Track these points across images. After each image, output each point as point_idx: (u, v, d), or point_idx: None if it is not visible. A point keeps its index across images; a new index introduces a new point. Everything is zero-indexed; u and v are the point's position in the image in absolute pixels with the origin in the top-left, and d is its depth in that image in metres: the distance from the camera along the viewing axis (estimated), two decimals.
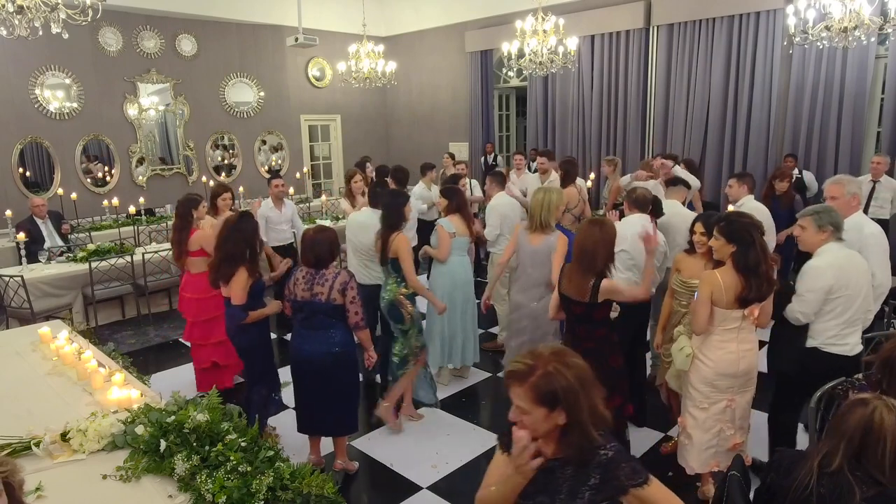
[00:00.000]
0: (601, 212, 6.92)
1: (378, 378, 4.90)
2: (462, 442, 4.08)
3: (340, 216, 8.06)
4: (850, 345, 3.09)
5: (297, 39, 8.78)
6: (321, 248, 3.40)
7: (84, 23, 4.23)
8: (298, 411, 3.67)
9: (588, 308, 3.09)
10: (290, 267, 4.01)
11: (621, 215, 4.31)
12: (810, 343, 3.13)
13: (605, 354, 3.12)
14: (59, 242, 6.85)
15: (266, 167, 10.43)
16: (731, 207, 4.78)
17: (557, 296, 3.30)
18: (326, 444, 3.79)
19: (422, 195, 6.95)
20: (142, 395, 3.00)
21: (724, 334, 3.02)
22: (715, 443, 3.15)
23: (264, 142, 10.71)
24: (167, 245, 7.16)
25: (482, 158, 10.98)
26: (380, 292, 4.40)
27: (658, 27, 8.82)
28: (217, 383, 4.47)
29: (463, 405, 4.61)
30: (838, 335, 3.07)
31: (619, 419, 3.19)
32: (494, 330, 5.81)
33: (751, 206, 4.56)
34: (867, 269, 3.12)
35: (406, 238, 4.14)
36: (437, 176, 7.46)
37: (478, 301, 4.81)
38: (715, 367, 3.04)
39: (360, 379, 4.84)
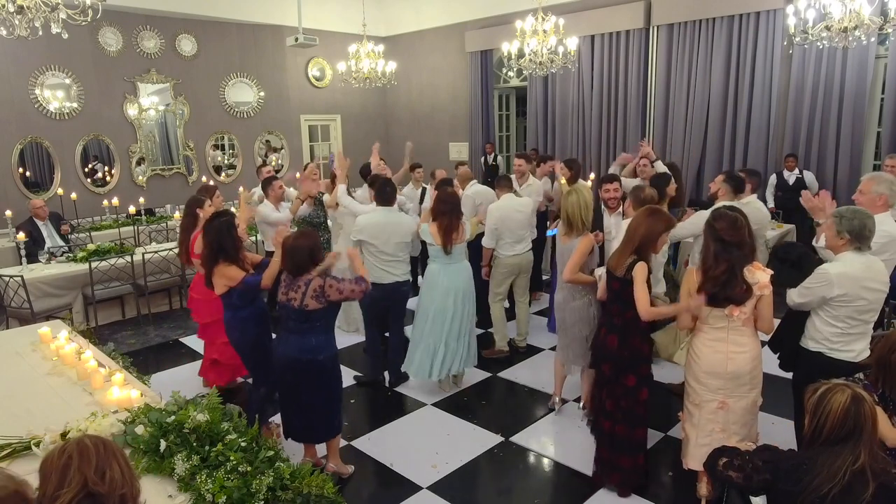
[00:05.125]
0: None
1: (386, 376, 4.94)
2: (462, 442, 4.08)
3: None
4: (857, 351, 3.03)
5: (297, 39, 8.77)
6: (301, 254, 3.30)
7: (84, 23, 4.23)
8: (282, 414, 3.65)
9: (622, 284, 3.24)
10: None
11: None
12: (814, 347, 3.09)
13: (628, 334, 3.31)
14: (60, 243, 6.86)
15: (268, 167, 10.39)
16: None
17: (605, 276, 3.48)
18: (324, 445, 3.77)
19: (410, 195, 6.91)
20: (142, 395, 3.01)
21: (712, 332, 3.05)
22: (707, 442, 3.15)
23: (268, 142, 10.72)
24: (167, 245, 7.18)
25: (482, 158, 10.98)
26: (397, 288, 4.49)
27: (658, 27, 8.81)
28: (216, 380, 4.56)
29: (463, 405, 4.61)
30: (843, 341, 3.03)
31: (632, 398, 3.35)
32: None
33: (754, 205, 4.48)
34: (886, 279, 3.02)
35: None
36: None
37: None
38: (702, 364, 3.08)
39: (356, 382, 4.93)
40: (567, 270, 3.88)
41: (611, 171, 5.96)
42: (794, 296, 3.09)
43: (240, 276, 3.59)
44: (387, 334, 5.07)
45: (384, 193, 4.66)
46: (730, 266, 2.90)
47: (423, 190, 6.98)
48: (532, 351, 5.57)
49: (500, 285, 5.37)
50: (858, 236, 2.94)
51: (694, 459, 3.21)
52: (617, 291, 3.33)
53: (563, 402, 4.47)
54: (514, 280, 5.40)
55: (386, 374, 4.97)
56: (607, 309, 3.49)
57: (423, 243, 5.16)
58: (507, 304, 5.55)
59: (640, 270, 3.19)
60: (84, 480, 1.54)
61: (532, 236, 5.49)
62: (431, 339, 4.63)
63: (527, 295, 5.58)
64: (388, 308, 4.82)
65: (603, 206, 4.54)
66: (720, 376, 3.04)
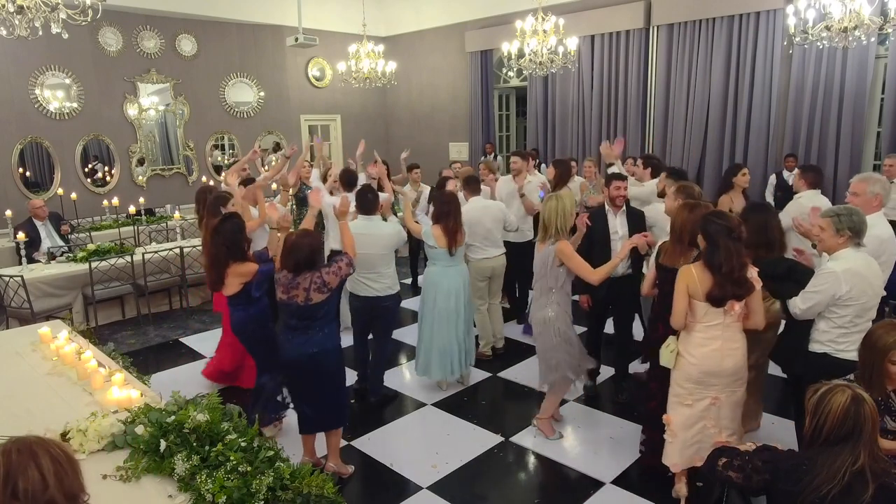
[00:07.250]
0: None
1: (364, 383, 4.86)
2: (462, 442, 4.08)
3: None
4: None
5: (297, 39, 8.78)
6: (301, 253, 3.30)
7: (84, 23, 4.23)
8: (297, 411, 3.68)
9: None
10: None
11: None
12: (820, 349, 3.08)
13: None
14: (60, 243, 6.86)
15: (266, 167, 10.40)
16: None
17: (653, 272, 3.54)
18: (323, 445, 3.77)
19: (410, 196, 6.89)
20: (142, 395, 3.01)
21: (707, 331, 3.03)
22: (698, 439, 3.15)
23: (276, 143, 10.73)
24: (167, 245, 7.18)
25: (482, 158, 10.98)
26: (377, 303, 4.44)
27: (658, 27, 8.82)
28: (242, 380, 4.77)
29: (463, 405, 4.61)
30: (848, 341, 3.01)
31: None
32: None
33: (810, 200, 4.37)
34: (881, 275, 3.04)
35: None
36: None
37: None
38: (699, 364, 3.05)
39: (353, 379, 4.91)
40: (586, 272, 3.71)
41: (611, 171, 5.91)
42: (799, 303, 3.06)
43: (254, 269, 3.71)
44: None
45: (365, 201, 4.43)
46: (746, 265, 2.92)
47: (430, 190, 6.98)
48: (531, 350, 5.56)
49: (475, 291, 5.13)
50: (859, 232, 2.96)
51: (682, 459, 3.19)
52: None
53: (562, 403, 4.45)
54: (488, 284, 5.32)
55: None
56: (663, 303, 3.44)
57: (418, 244, 5.15)
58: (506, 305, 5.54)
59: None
60: None
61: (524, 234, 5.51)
62: (445, 340, 4.64)
63: (499, 297, 5.53)
64: (371, 319, 4.67)
65: (607, 206, 4.44)
66: (716, 374, 3.03)
